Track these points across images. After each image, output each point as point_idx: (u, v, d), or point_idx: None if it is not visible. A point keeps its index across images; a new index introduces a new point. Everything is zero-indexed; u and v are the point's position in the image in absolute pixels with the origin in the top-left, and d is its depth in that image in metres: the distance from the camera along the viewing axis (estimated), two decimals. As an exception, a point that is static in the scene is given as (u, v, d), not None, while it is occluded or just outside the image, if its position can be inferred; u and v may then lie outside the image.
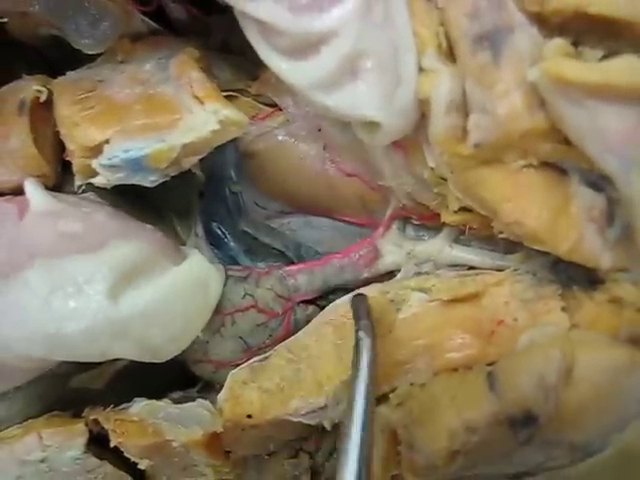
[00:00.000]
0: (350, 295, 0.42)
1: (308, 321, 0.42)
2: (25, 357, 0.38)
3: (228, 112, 0.36)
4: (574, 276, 0.39)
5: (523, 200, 0.34)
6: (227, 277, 0.42)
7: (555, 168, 0.34)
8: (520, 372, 0.35)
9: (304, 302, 0.44)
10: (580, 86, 0.29)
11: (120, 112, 0.39)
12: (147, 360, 0.39)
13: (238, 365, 0.41)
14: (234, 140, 0.44)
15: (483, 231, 0.40)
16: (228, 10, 0.37)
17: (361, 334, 0.34)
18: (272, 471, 0.43)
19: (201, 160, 0.42)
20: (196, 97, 0.37)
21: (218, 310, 0.42)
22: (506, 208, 0.34)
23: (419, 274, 0.42)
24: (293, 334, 0.42)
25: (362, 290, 0.43)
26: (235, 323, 0.42)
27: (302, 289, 0.43)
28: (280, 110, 0.43)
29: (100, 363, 0.46)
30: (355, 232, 0.45)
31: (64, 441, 0.42)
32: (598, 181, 0.34)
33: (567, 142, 0.33)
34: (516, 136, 0.32)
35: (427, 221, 0.42)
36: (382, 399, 0.39)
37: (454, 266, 0.43)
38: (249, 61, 0.43)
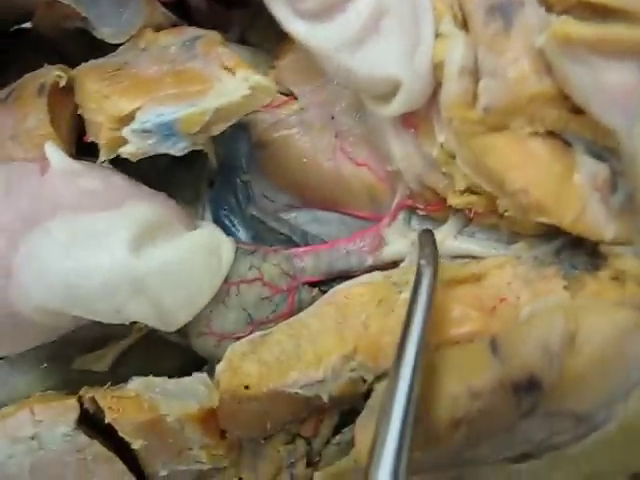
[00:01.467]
0: (349, 281, 0.43)
1: (312, 303, 0.42)
2: (42, 309, 0.38)
3: (258, 78, 0.38)
4: (577, 263, 0.40)
5: (529, 168, 0.35)
6: (235, 249, 0.42)
7: (560, 139, 0.36)
8: (523, 338, 0.35)
9: (309, 284, 0.44)
10: (584, 43, 0.31)
11: (150, 84, 0.40)
12: (158, 326, 0.39)
13: (240, 338, 0.41)
14: (247, 129, 0.46)
15: (488, 217, 0.41)
16: (247, 4, 0.39)
17: (423, 262, 0.35)
18: (267, 457, 0.42)
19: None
20: (226, 67, 0.39)
21: (224, 279, 0.42)
22: (512, 176, 0.35)
23: (423, 262, 0.42)
24: (297, 314, 0.42)
25: (366, 276, 0.43)
26: (240, 294, 0.42)
27: (308, 270, 0.44)
28: (295, 99, 0.45)
29: (104, 344, 0.45)
30: (362, 227, 0.46)
31: (55, 416, 0.41)
32: (602, 152, 0.35)
33: (572, 110, 0.34)
34: (524, 100, 0.34)
35: (432, 211, 0.43)
36: (383, 376, 0.38)
37: (458, 257, 0.43)
38: (266, 52, 0.45)
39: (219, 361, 0.41)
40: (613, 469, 0.36)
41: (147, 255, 0.38)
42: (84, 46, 0.51)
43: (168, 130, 0.38)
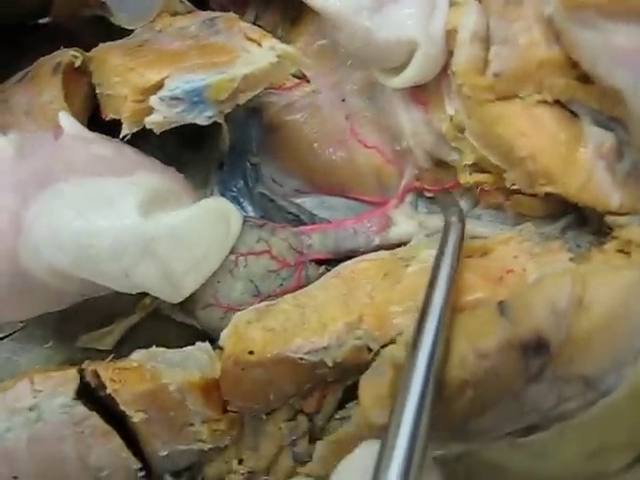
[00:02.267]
0: (356, 258, 0.43)
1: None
2: (51, 269, 0.38)
3: (285, 46, 0.39)
4: (582, 242, 0.40)
5: (538, 134, 0.36)
6: (244, 222, 0.43)
7: (567, 110, 0.37)
8: (531, 300, 0.35)
9: (317, 262, 0.44)
10: (592, 6, 0.32)
11: (176, 56, 0.41)
12: (165, 295, 0.40)
13: (247, 310, 0.41)
14: (259, 112, 0.47)
15: (495, 196, 0.41)
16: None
17: (452, 219, 0.36)
18: (269, 434, 0.41)
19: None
20: (250, 39, 0.40)
21: (231, 250, 0.42)
22: (521, 142, 0.36)
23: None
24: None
25: (372, 254, 0.43)
26: (247, 265, 0.42)
27: (315, 247, 0.44)
28: (307, 82, 0.46)
29: (110, 322, 0.45)
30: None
31: (55, 386, 0.41)
32: (608, 122, 0.36)
33: (580, 79, 0.35)
34: (533, 66, 0.35)
35: (440, 192, 0.44)
36: (388, 344, 0.38)
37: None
38: (279, 38, 0.46)
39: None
40: (622, 441, 0.36)
41: (156, 218, 0.39)
42: (99, 37, 0.52)
43: (197, 97, 0.39)
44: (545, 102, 0.36)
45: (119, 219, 0.38)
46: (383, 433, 0.30)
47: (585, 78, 0.35)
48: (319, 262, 0.45)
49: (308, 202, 0.48)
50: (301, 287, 0.43)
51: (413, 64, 0.37)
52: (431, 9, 0.37)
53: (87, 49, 0.47)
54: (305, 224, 0.46)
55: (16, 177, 0.38)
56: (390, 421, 0.30)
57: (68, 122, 0.41)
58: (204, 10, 0.48)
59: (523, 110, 0.36)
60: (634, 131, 0.34)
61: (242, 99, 0.40)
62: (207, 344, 0.42)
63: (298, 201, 0.48)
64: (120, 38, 0.49)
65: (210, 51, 0.41)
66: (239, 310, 0.42)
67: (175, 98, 0.39)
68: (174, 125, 0.41)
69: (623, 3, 0.32)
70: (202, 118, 0.40)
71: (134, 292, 0.41)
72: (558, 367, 0.34)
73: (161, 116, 0.40)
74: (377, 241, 0.44)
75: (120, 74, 0.41)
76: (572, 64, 0.35)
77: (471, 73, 0.36)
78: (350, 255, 0.45)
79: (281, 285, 0.42)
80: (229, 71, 0.39)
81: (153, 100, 0.40)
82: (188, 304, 0.44)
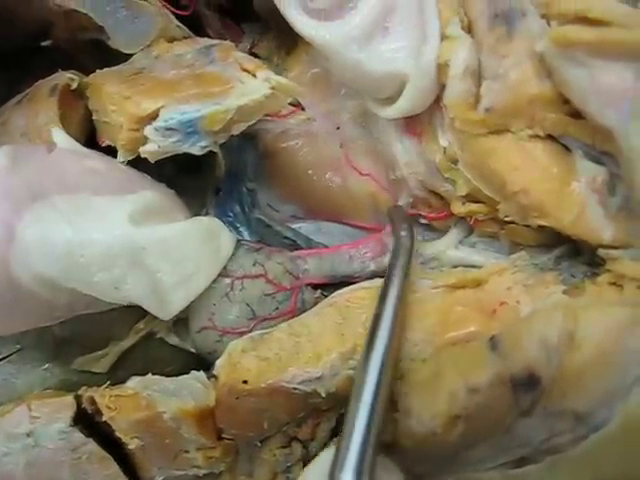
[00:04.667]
0: (351, 286, 0.43)
1: (315, 304, 0.43)
2: (41, 278, 0.38)
3: (279, 78, 0.39)
4: (576, 272, 0.40)
5: (530, 169, 0.36)
6: (239, 246, 0.43)
7: (559, 144, 0.37)
8: (522, 335, 0.35)
9: (313, 287, 0.44)
10: (582, 46, 0.32)
11: (172, 86, 0.41)
12: (154, 309, 0.39)
13: (242, 334, 0.41)
14: (255, 139, 0.47)
15: (489, 225, 0.42)
16: (257, 18, 0.41)
17: (403, 234, 0.37)
18: (264, 462, 0.42)
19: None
20: (245, 70, 0.40)
21: (228, 274, 0.42)
22: (513, 176, 0.37)
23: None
24: (299, 311, 0.42)
25: (367, 282, 0.44)
26: (244, 289, 0.42)
27: (311, 272, 0.44)
28: (302, 109, 0.46)
29: (104, 346, 0.45)
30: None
31: (52, 413, 0.41)
32: (600, 156, 0.36)
33: (571, 115, 0.36)
34: (525, 101, 0.35)
35: (435, 219, 0.44)
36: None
37: (459, 266, 0.44)
38: (275, 66, 0.47)
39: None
40: (614, 475, 0.36)
41: (147, 229, 0.39)
42: (98, 60, 0.52)
43: (191, 127, 0.39)
44: (537, 136, 0.36)
45: (110, 230, 0.38)
46: (338, 437, 0.30)
47: (577, 113, 0.35)
48: (315, 286, 0.45)
49: (304, 228, 0.48)
50: (297, 311, 0.43)
51: (404, 96, 0.38)
52: (422, 42, 0.37)
53: (87, 72, 0.48)
54: (301, 249, 0.46)
55: (9, 187, 0.38)
56: (345, 422, 0.30)
57: (60, 137, 0.42)
58: (200, 36, 0.48)
59: (515, 144, 0.36)
60: (624, 168, 0.34)
61: (236, 130, 0.40)
62: (201, 373, 0.42)
63: (294, 226, 0.48)
64: (118, 61, 0.49)
65: (205, 81, 0.41)
66: (235, 333, 0.42)
67: (170, 129, 0.39)
68: (169, 154, 0.41)
69: (612, 42, 0.32)
70: (196, 148, 0.40)
71: (124, 303, 0.41)
72: (549, 402, 0.35)
73: (156, 146, 0.40)
74: (372, 267, 0.44)
75: (116, 103, 0.42)
76: (563, 99, 0.35)
77: (463, 107, 0.36)
78: (345, 280, 0.45)
79: (277, 309, 0.43)
80: (223, 102, 0.39)
81: (148, 130, 0.40)
82: (184, 327, 0.45)
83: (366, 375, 0.32)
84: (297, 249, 0.46)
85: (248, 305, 0.42)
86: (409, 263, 0.36)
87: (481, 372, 0.35)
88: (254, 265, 0.43)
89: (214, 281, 0.42)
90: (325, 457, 0.31)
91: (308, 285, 0.44)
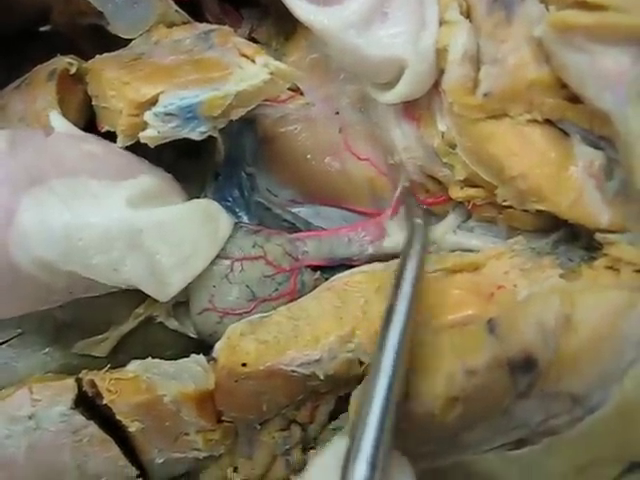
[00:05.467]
0: (349, 270, 0.43)
1: (314, 286, 0.43)
2: (40, 261, 0.38)
3: (278, 64, 0.39)
4: (573, 256, 0.40)
5: (528, 153, 0.37)
6: (238, 228, 0.44)
7: (557, 129, 0.37)
8: (519, 318, 0.35)
9: (312, 268, 0.45)
10: (580, 30, 0.33)
11: (171, 71, 0.41)
12: (153, 291, 0.40)
13: (242, 315, 0.42)
14: (254, 124, 0.47)
15: (487, 210, 0.42)
16: (256, 4, 0.40)
17: (417, 221, 0.37)
18: (263, 444, 0.42)
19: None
20: (244, 55, 0.40)
21: (227, 255, 0.43)
22: (511, 161, 0.37)
23: (422, 254, 0.43)
24: (299, 293, 0.43)
25: (366, 266, 0.44)
26: (243, 270, 0.42)
27: (310, 254, 0.45)
28: (301, 94, 0.46)
29: (105, 330, 0.46)
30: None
31: (53, 396, 0.41)
32: (598, 141, 0.36)
33: (569, 99, 0.36)
34: (523, 86, 0.35)
35: (432, 204, 0.44)
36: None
37: (457, 250, 0.44)
38: (274, 51, 0.47)
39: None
40: (610, 455, 0.36)
41: (145, 212, 0.39)
42: (97, 45, 0.52)
43: (191, 113, 0.39)
44: (535, 121, 0.36)
45: (108, 213, 0.38)
46: (352, 428, 0.30)
47: (575, 98, 0.36)
48: (314, 268, 0.45)
49: (303, 212, 0.48)
50: (296, 292, 0.43)
51: (403, 81, 0.38)
52: (420, 27, 0.37)
53: (86, 57, 0.48)
54: (301, 232, 0.46)
55: (7, 171, 0.38)
56: (358, 416, 0.30)
57: (58, 121, 0.42)
58: (199, 21, 0.48)
59: (513, 130, 0.37)
60: (622, 152, 0.34)
61: (235, 115, 0.40)
62: (201, 356, 0.42)
63: (294, 211, 0.48)
64: (118, 46, 0.49)
65: (204, 66, 0.41)
66: (235, 314, 0.42)
67: (169, 114, 0.40)
68: (168, 140, 0.41)
69: (610, 26, 0.32)
70: (196, 133, 0.40)
71: (123, 287, 0.41)
72: (546, 384, 0.35)
73: (155, 131, 0.40)
74: (371, 250, 0.45)
75: (115, 88, 0.42)
76: (562, 84, 0.35)
77: (461, 92, 0.37)
78: (344, 263, 0.45)
79: (276, 290, 0.43)
80: (222, 88, 0.39)
81: (147, 116, 0.40)
82: (183, 311, 0.45)
83: (380, 367, 0.31)
84: (296, 232, 0.46)
85: (248, 286, 0.42)
86: (424, 251, 0.36)
87: (478, 355, 0.35)
88: (253, 247, 0.43)
89: (213, 263, 0.43)
90: (336, 447, 0.31)
91: (307, 267, 0.44)
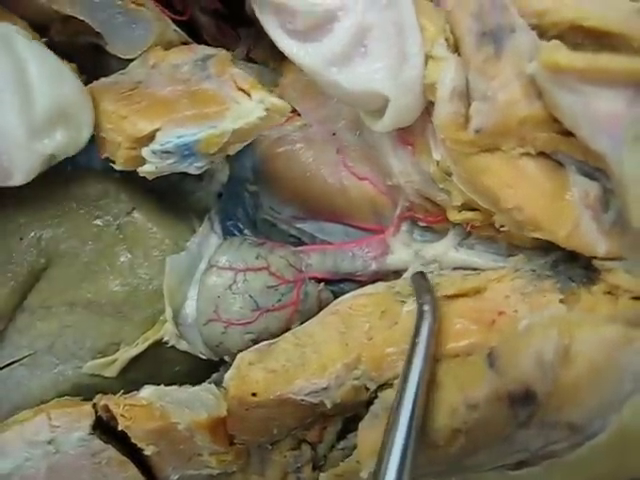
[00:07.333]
0: (353, 292, 0.44)
1: (318, 298, 0.45)
2: None
3: (274, 100, 0.39)
4: (573, 276, 0.41)
5: (523, 186, 0.37)
6: (243, 241, 0.45)
7: (552, 160, 0.37)
8: (519, 351, 0.36)
9: (316, 280, 0.46)
10: (573, 72, 0.32)
11: (168, 105, 0.41)
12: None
13: (246, 325, 0.43)
14: (253, 144, 0.47)
15: (485, 230, 0.42)
16: (253, 23, 0.40)
17: (425, 307, 0.37)
18: (274, 462, 0.44)
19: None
20: (240, 89, 0.41)
21: (231, 267, 0.44)
22: (507, 194, 0.37)
23: (425, 273, 0.44)
24: (303, 304, 0.44)
25: (369, 287, 0.45)
26: (246, 281, 0.44)
27: (314, 266, 0.46)
28: (298, 115, 0.46)
29: (114, 351, 0.47)
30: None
31: (71, 422, 0.43)
32: (593, 172, 0.36)
33: (562, 133, 0.36)
34: (514, 123, 0.35)
35: (433, 223, 0.45)
36: (385, 386, 0.40)
37: (458, 268, 0.44)
38: (271, 70, 0.46)
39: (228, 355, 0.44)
40: (609, 476, 0.38)
41: None
42: (95, 65, 0.52)
43: (188, 150, 0.40)
44: (529, 154, 0.36)
45: None
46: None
47: (568, 131, 0.35)
48: (318, 281, 0.46)
49: (306, 228, 0.49)
50: (300, 304, 0.45)
51: (387, 114, 0.38)
52: (401, 60, 0.37)
53: (84, 73, 0.48)
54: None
55: None
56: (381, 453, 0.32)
57: None
58: (197, 40, 0.48)
59: (507, 162, 0.37)
60: (617, 190, 0.34)
61: (232, 150, 0.41)
62: (212, 385, 0.44)
63: (297, 227, 0.49)
64: (115, 65, 0.49)
65: (201, 100, 0.41)
66: (239, 324, 0.44)
67: (166, 152, 0.40)
68: (166, 173, 0.42)
69: (604, 70, 0.32)
70: (193, 168, 0.41)
71: None
72: (546, 415, 0.36)
73: (153, 166, 0.41)
74: (374, 267, 0.45)
75: (113, 122, 0.42)
76: (554, 119, 0.35)
77: (453, 128, 0.36)
78: (347, 278, 0.46)
79: (280, 300, 0.44)
80: (219, 125, 0.39)
81: (145, 152, 0.41)
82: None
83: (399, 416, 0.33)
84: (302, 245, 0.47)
85: (251, 297, 0.43)
86: (432, 339, 0.36)
87: (479, 388, 0.36)
88: (257, 258, 0.44)
89: (218, 275, 0.44)
90: None
91: (311, 279, 0.45)
